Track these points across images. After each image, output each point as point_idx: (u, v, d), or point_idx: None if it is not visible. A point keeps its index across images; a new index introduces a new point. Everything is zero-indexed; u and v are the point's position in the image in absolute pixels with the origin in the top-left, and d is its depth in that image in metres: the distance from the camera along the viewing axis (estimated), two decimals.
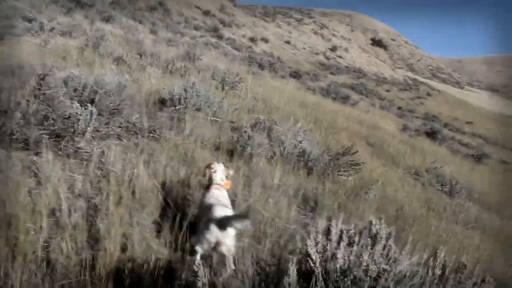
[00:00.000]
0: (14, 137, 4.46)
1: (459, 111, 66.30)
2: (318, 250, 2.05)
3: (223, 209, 3.57)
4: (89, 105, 5.18)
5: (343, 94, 29.29)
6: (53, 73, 5.55)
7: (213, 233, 3.40)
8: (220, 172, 4.18)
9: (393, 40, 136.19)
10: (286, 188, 5.67)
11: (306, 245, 2.06)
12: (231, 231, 3.45)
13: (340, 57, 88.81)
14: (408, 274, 2.05)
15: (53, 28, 12.81)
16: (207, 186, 4.09)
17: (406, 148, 14.81)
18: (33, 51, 8.17)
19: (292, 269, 1.87)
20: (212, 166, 4.22)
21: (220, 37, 44.80)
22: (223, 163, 4.38)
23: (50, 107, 5.04)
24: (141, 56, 13.26)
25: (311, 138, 8.55)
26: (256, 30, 68.50)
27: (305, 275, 1.99)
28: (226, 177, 4.23)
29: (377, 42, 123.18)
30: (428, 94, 75.84)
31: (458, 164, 15.96)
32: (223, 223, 3.35)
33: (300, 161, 7.02)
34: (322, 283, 1.81)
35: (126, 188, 3.83)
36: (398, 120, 29.72)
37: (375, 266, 2.02)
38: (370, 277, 1.96)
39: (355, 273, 1.98)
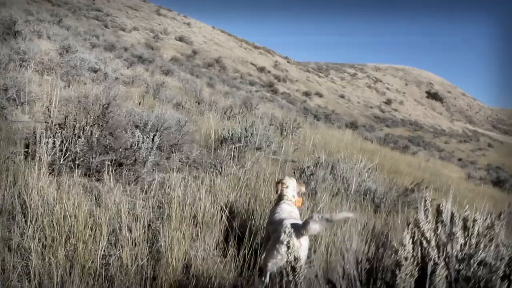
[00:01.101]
0: (76, 163, 4.41)
1: None
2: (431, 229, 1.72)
3: (296, 222, 3.27)
4: (150, 134, 5.11)
5: (401, 144, 28.55)
6: (117, 104, 5.56)
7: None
8: (292, 188, 3.89)
9: (449, 92, 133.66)
10: (354, 223, 5.31)
11: (417, 221, 1.72)
12: (305, 243, 3.14)
13: (396, 110, 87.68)
14: None
15: (117, 78, 13.30)
16: (277, 202, 3.82)
17: (474, 194, 13.97)
18: (97, 92, 8.39)
19: (408, 241, 1.53)
20: (284, 181, 3.95)
21: (275, 91, 45.47)
22: (295, 179, 4.10)
23: (112, 135, 5.01)
24: (199, 103, 13.46)
25: (375, 177, 8.16)
26: (310, 85, 69.14)
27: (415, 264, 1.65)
28: (298, 193, 3.95)
29: (432, 95, 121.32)
30: (490, 145, 72.85)
31: None
32: (299, 230, 3.06)
33: (366, 199, 6.64)
34: (443, 269, 1.47)
35: (188, 211, 3.62)
36: (460, 170, 28.47)
37: (507, 250, 1.67)
38: (501, 260, 1.61)
39: (481, 257, 1.64)
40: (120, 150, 4.95)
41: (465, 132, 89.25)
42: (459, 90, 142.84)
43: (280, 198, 3.84)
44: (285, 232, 3.16)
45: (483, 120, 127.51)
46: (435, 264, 1.58)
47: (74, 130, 4.55)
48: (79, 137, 4.54)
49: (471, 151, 62.48)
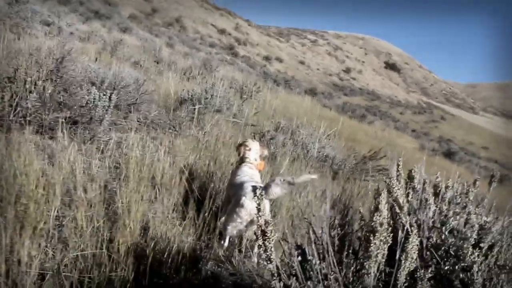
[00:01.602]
0: (28, 119, 4.18)
1: (474, 136, 65.43)
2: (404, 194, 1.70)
3: (257, 185, 3.22)
4: (107, 92, 4.89)
5: (359, 113, 28.99)
6: (72, 59, 5.29)
7: (247, 209, 3.06)
8: (254, 151, 3.82)
9: (406, 63, 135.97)
10: (312, 189, 5.34)
11: (389, 187, 1.69)
12: (266, 206, 3.11)
13: (354, 79, 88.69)
14: None
15: (72, 33, 12.73)
16: (239, 164, 3.75)
17: (427, 164, 14.41)
18: (51, 45, 7.98)
19: (384, 206, 1.49)
20: (247, 143, 3.87)
21: (235, 54, 44.94)
22: (258, 141, 4.03)
23: (67, 92, 4.77)
24: (158, 63, 13.12)
25: (334, 145, 8.24)
26: (271, 49, 68.71)
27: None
28: (260, 157, 3.88)
29: (390, 65, 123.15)
30: (442, 118, 75.11)
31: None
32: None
33: (325, 165, 6.69)
34: (415, 237, 1.45)
35: (146, 171, 3.51)
36: (414, 141, 29.26)
37: (477, 218, 1.67)
38: (473, 229, 1.61)
39: (452, 224, 1.63)
40: (75, 107, 4.72)
41: (420, 104, 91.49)
42: (416, 62, 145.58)
43: (242, 160, 3.77)
44: (245, 195, 3.13)
45: (437, 93, 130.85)
46: (407, 231, 1.56)
47: (25, 84, 4.30)
48: (30, 92, 4.29)
49: (425, 122, 64.26)
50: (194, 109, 7.43)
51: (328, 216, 1.72)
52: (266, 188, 3.07)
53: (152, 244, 2.80)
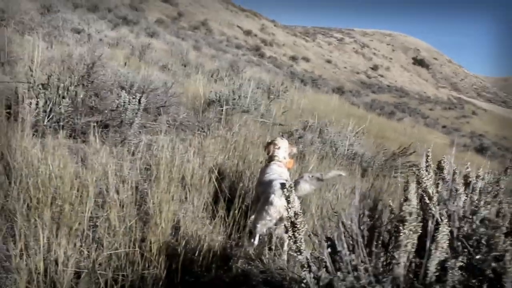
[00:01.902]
0: (61, 124, 4.30)
1: (507, 130, 63.76)
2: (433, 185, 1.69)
3: (286, 183, 3.24)
4: (137, 95, 4.99)
5: (387, 110, 28.66)
6: (102, 64, 5.41)
7: (276, 207, 3.07)
8: (283, 149, 3.83)
9: (435, 59, 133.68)
10: (341, 186, 5.32)
11: (419, 177, 1.68)
12: (296, 202, 3.13)
13: (382, 76, 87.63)
14: None
15: (101, 40, 12.99)
16: (268, 163, 3.77)
17: (457, 160, 14.14)
18: (81, 52, 8.18)
19: (413, 195, 1.48)
20: (276, 142, 3.89)
21: (261, 55, 44.98)
22: (287, 139, 4.05)
23: (98, 96, 4.89)
24: (185, 66, 13.26)
25: (363, 142, 8.18)
26: (297, 49, 68.54)
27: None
28: (289, 155, 3.90)
29: (418, 61, 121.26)
30: (474, 113, 73.44)
31: None
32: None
33: (353, 163, 6.65)
34: (445, 226, 1.44)
35: (176, 172, 3.56)
36: (445, 137, 28.75)
37: (509, 207, 1.64)
38: (504, 217, 1.59)
39: (483, 214, 1.62)
40: (106, 111, 4.84)
41: (450, 99, 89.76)
42: (445, 57, 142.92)
43: (271, 159, 3.78)
44: (274, 192, 3.14)
45: (468, 87, 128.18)
46: (437, 221, 1.55)
47: (58, 90, 4.42)
48: (63, 97, 4.41)
49: (456, 118, 62.92)
50: (222, 110, 7.49)
51: (357, 208, 1.73)
52: (295, 184, 3.08)
53: (183, 242, 2.84)
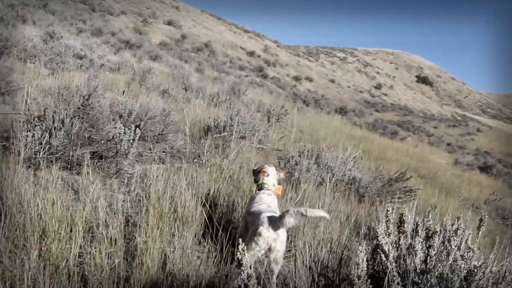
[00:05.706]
0: (56, 156, 4.36)
1: None
2: (391, 242, 1.71)
3: (273, 215, 3.29)
4: (132, 126, 5.05)
5: (390, 129, 28.67)
6: (98, 95, 5.50)
7: (265, 238, 3.13)
8: (272, 176, 3.88)
9: (438, 76, 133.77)
10: (336, 214, 5.33)
11: (376, 233, 1.72)
12: (283, 235, 3.17)
13: (385, 94, 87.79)
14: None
15: (103, 65, 13.15)
16: (258, 190, 3.81)
17: (460, 181, 14.10)
18: (81, 81, 8.29)
19: (362, 259, 1.52)
20: (265, 169, 3.92)
21: (264, 76, 45.23)
22: (274, 166, 4.08)
23: (93, 127, 4.95)
24: (186, 90, 13.37)
25: (361, 166, 8.18)
26: (300, 69, 68.88)
27: (373, 276, 1.65)
28: (278, 180, 3.94)
29: (422, 79, 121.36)
30: (478, 130, 73.22)
31: None
32: (275, 223, 3.11)
33: (351, 188, 6.66)
34: (399, 283, 1.46)
35: (167, 205, 3.60)
36: (449, 155, 28.68)
37: (465, 263, 1.66)
38: (459, 275, 1.60)
39: (439, 270, 1.63)
40: (102, 142, 4.90)
41: (454, 116, 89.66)
42: (448, 75, 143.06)
43: (260, 187, 3.82)
44: (262, 224, 3.20)
45: (472, 104, 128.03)
46: (392, 278, 1.57)
47: (53, 122, 4.49)
48: (59, 129, 4.48)
49: (460, 135, 62.68)
50: (219, 136, 7.55)
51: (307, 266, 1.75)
52: (280, 218, 3.15)
53: (169, 280, 2.86)
